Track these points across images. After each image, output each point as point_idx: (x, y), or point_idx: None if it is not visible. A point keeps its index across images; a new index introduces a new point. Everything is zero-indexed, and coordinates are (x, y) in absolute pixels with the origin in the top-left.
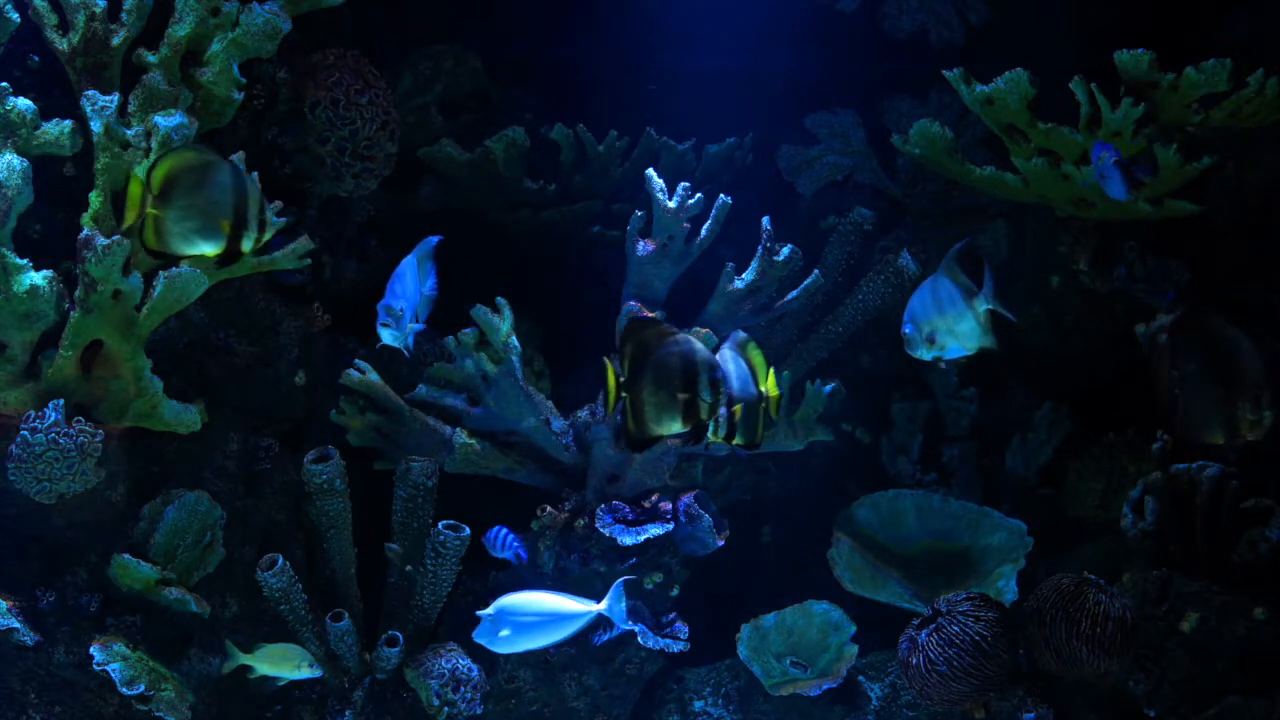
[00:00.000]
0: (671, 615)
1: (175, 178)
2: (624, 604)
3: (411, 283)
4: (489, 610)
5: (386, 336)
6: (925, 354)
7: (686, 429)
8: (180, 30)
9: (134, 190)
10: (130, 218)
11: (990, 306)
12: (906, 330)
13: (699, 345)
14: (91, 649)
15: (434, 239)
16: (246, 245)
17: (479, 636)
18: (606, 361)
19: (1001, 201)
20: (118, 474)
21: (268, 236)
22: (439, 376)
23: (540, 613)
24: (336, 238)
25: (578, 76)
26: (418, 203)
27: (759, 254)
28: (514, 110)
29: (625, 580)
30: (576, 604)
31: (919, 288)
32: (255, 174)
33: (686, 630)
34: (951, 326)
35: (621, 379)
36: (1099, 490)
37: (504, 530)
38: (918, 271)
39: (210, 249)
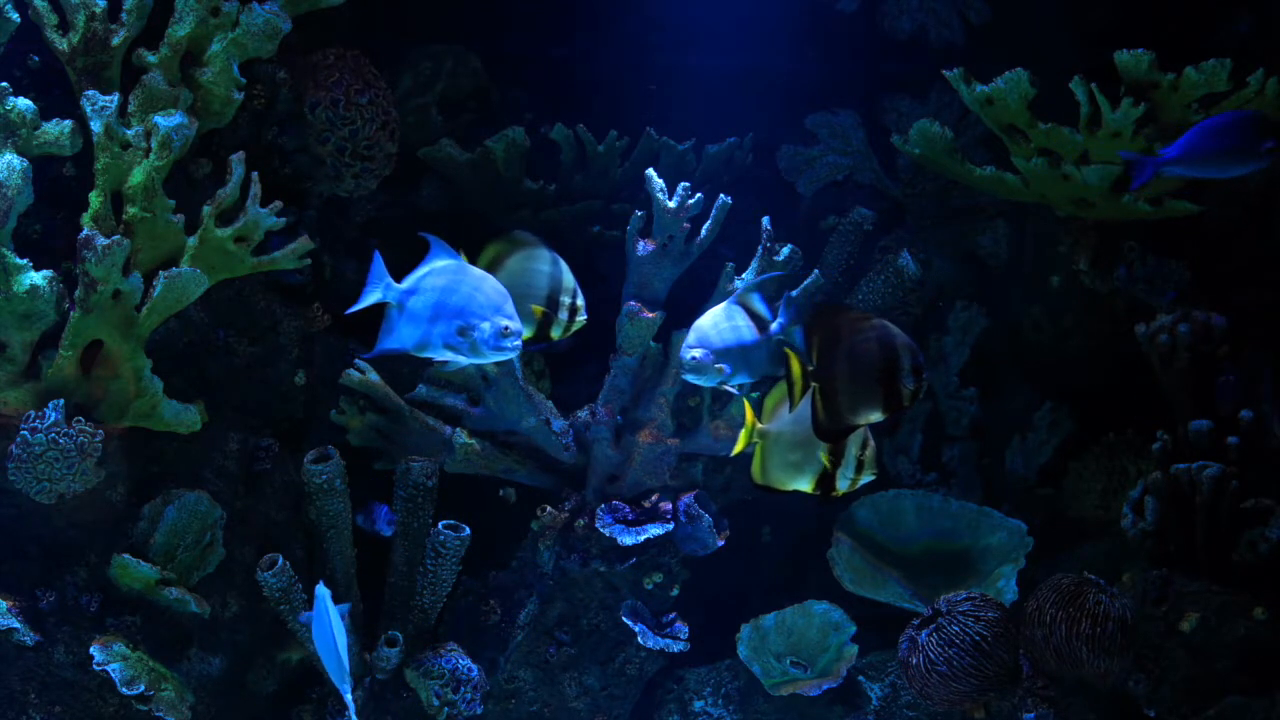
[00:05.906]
0: (671, 615)
1: (500, 259)
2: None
3: None
4: (322, 590)
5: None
6: (713, 380)
7: (885, 417)
8: (180, 30)
9: None
10: None
11: (781, 338)
12: (701, 357)
13: (896, 329)
14: (91, 649)
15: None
16: (555, 334)
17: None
18: (788, 351)
19: (1001, 201)
20: (118, 474)
21: (575, 327)
22: (439, 376)
23: (327, 644)
24: (336, 238)
25: (578, 76)
26: (418, 203)
27: (759, 254)
28: (514, 110)
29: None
30: (343, 669)
31: (711, 314)
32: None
33: (686, 630)
34: (747, 355)
35: (809, 367)
36: (1099, 490)
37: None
38: (917, 272)
39: (524, 332)
